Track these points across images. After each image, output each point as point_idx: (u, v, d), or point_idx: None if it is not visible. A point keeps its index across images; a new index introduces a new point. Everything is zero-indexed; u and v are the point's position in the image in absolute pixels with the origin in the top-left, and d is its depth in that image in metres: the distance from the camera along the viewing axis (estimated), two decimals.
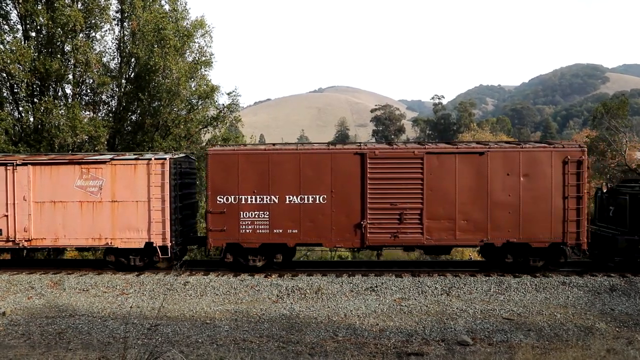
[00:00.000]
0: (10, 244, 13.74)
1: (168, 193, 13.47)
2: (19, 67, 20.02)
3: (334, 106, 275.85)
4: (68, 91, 22.75)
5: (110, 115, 23.71)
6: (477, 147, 13.57)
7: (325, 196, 13.23)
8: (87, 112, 23.04)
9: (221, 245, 13.51)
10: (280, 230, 13.27)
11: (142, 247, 13.61)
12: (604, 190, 15.35)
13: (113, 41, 23.82)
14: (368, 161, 13.14)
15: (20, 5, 20.79)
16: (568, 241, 13.03)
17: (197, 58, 23.93)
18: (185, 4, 24.87)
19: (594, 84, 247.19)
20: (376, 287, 12.46)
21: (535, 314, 11.01)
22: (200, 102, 23.83)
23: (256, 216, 13.30)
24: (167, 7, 24.21)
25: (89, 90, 23.04)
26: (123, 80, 23.38)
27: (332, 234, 13.25)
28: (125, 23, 23.34)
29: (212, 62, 24.11)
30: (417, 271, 13.81)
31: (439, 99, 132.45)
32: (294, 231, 13.26)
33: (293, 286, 12.51)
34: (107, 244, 13.64)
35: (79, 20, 20.34)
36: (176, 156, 14.23)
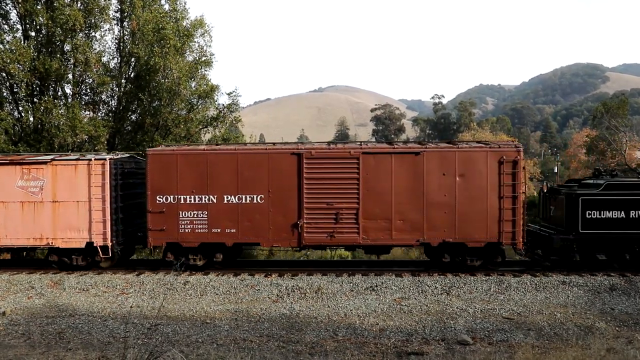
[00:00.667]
0: None
1: (108, 193, 13.59)
2: (18, 67, 20.01)
3: (334, 106, 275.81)
4: (68, 91, 22.74)
5: (110, 115, 23.69)
6: (413, 147, 13.64)
7: (262, 196, 13.31)
8: (87, 112, 23.02)
9: (161, 245, 13.65)
10: (219, 230, 13.38)
11: (83, 246, 13.71)
12: (544, 190, 15.44)
13: (113, 41, 23.80)
14: (304, 161, 13.22)
15: (20, 5, 20.77)
16: (504, 241, 13.09)
17: (197, 58, 23.91)
18: (185, 3, 24.87)
19: (594, 84, 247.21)
20: (376, 286, 12.47)
21: (535, 313, 11.02)
22: (200, 102, 23.81)
23: (195, 216, 13.40)
24: (166, 6, 24.21)
25: (88, 90, 23.01)
26: (123, 80, 23.35)
27: (270, 233, 13.34)
28: (125, 23, 23.31)
29: (212, 62, 24.09)
30: (417, 270, 13.82)
31: (439, 98, 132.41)
32: (232, 231, 13.37)
33: (293, 286, 12.52)
34: (49, 244, 13.74)
35: (78, 20, 20.32)
36: (118, 157, 14.36)
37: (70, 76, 21.99)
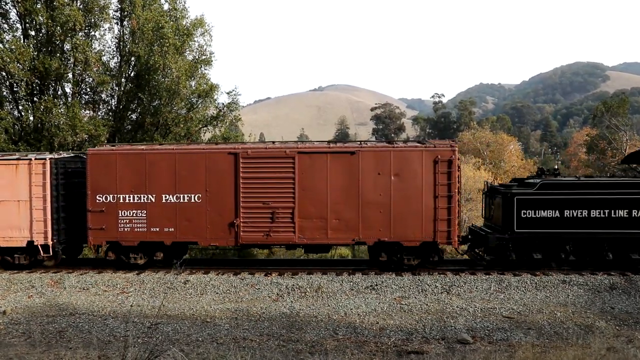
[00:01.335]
0: None
1: (49, 192, 13.63)
2: (18, 66, 19.99)
3: (334, 105, 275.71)
4: (68, 90, 22.73)
5: (110, 114, 23.69)
6: (349, 146, 13.69)
7: (200, 195, 13.38)
8: (87, 111, 23.03)
9: (101, 244, 13.75)
10: (157, 229, 13.48)
11: (25, 245, 13.76)
12: (485, 189, 15.52)
13: (113, 40, 23.80)
14: (241, 161, 13.27)
15: (20, 4, 20.76)
16: (439, 240, 13.13)
17: (196, 57, 23.90)
18: (185, 2, 24.87)
19: (595, 83, 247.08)
20: (376, 285, 12.47)
21: (536, 312, 11.02)
22: (200, 101, 23.81)
23: (134, 215, 13.51)
24: (166, 6, 24.21)
25: (88, 89, 23.01)
26: (123, 79, 23.35)
27: (207, 232, 13.43)
28: (125, 22, 23.31)
29: (211, 61, 24.09)
30: (417, 270, 13.82)
31: (439, 97, 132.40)
32: (170, 230, 13.46)
33: (293, 285, 12.52)
34: None
35: (78, 19, 20.31)
36: (62, 156, 14.40)
37: (70, 75, 21.99)
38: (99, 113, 23.51)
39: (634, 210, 13.12)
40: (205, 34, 23.92)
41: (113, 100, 23.83)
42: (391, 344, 9.24)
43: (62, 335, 9.79)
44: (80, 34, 21.39)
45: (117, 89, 23.37)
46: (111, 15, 22.76)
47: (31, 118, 21.36)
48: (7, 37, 21.32)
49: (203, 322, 10.53)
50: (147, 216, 13.46)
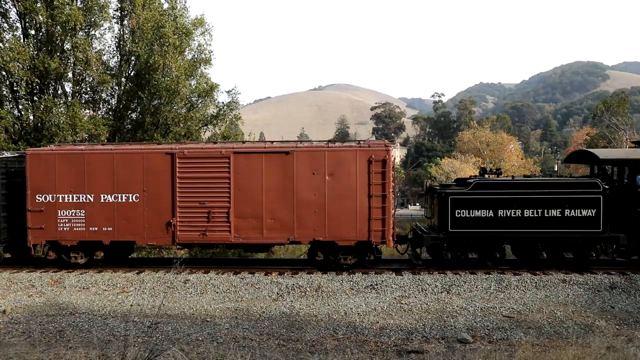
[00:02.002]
0: None
1: None
2: (18, 65, 19.98)
3: (334, 104, 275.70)
4: (68, 89, 22.72)
5: (110, 113, 23.67)
6: (284, 146, 13.76)
7: (138, 195, 13.50)
8: (87, 111, 23.01)
9: (41, 243, 13.86)
10: (96, 228, 13.59)
11: None
12: (425, 189, 15.60)
13: (113, 39, 23.79)
14: (177, 161, 13.37)
15: (20, 3, 20.74)
16: (373, 239, 13.16)
17: (196, 56, 23.88)
18: (185, 2, 24.85)
19: (595, 82, 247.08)
20: (376, 284, 12.47)
21: (536, 311, 11.02)
22: (200, 101, 23.80)
23: (73, 214, 13.61)
24: (166, 5, 24.18)
25: (88, 89, 23.00)
26: (123, 79, 23.34)
27: (145, 231, 13.54)
28: (125, 21, 23.29)
29: (211, 60, 24.07)
30: (417, 269, 13.83)
31: (439, 96, 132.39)
32: (108, 229, 13.57)
33: (293, 284, 12.52)
34: None
35: (78, 19, 20.30)
36: (3, 156, 14.46)
37: (70, 75, 21.97)
38: (99, 112, 23.49)
39: (566, 210, 13.14)
40: (206, 33, 23.92)
41: (113, 100, 23.81)
42: (391, 343, 9.24)
43: (62, 335, 9.79)
44: (80, 33, 21.38)
45: (117, 88, 23.36)
46: (111, 14, 22.76)
47: (31, 117, 21.35)
48: (7, 36, 21.31)
49: (203, 322, 10.53)
50: (85, 216, 13.58)
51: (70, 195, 13.57)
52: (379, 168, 13.09)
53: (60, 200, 13.57)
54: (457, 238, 13.41)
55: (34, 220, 13.65)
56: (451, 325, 10.16)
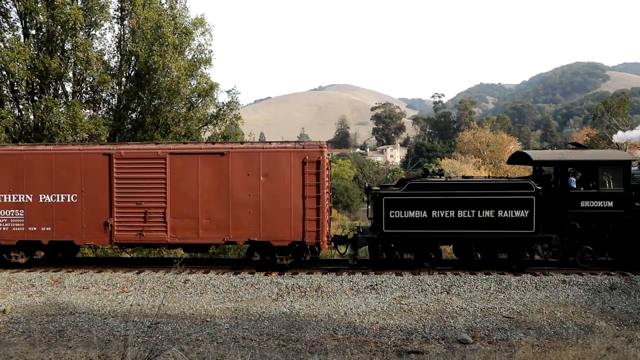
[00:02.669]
0: None
1: None
2: (18, 65, 19.98)
3: (335, 104, 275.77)
4: (68, 89, 22.72)
5: (111, 113, 23.67)
6: (219, 147, 13.79)
7: (76, 195, 13.61)
8: (88, 110, 23.01)
9: None
10: (35, 228, 13.70)
11: None
12: (364, 190, 15.65)
13: (113, 39, 23.78)
14: (115, 161, 13.49)
15: (20, 3, 20.74)
16: (307, 240, 13.23)
17: (196, 56, 23.88)
18: (185, 2, 24.84)
19: (595, 82, 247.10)
20: (376, 285, 12.46)
21: (535, 312, 11.02)
22: (200, 100, 23.79)
23: (12, 214, 13.75)
24: (166, 5, 24.17)
25: (89, 89, 22.99)
26: (123, 79, 23.34)
27: (83, 231, 13.64)
28: (125, 21, 23.29)
29: (211, 60, 24.06)
30: (417, 269, 13.83)
31: (439, 97, 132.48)
32: (47, 229, 13.67)
33: (293, 284, 12.52)
34: None
35: (78, 18, 20.29)
36: None
37: (70, 74, 21.96)
38: (100, 112, 23.48)
39: (499, 211, 13.18)
40: (206, 33, 23.91)
41: (113, 100, 23.81)
42: (391, 343, 9.24)
43: (62, 334, 9.79)
44: (80, 33, 21.37)
45: (117, 88, 23.35)
46: (111, 14, 22.75)
47: (32, 117, 21.35)
48: (7, 36, 21.31)
49: (203, 322, 10.53)
50: (25, 216, 13.67)
51: (10, 195, 13.69)
52: (313, 169, 13.17)
53: (0, 200, 13.71)
54: (392, 239, 13.46)
55: None
56: (451, 326, 10.17)
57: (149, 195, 13.46)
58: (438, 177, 14.26)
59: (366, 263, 14.30)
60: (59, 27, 20.56)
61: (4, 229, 13.73)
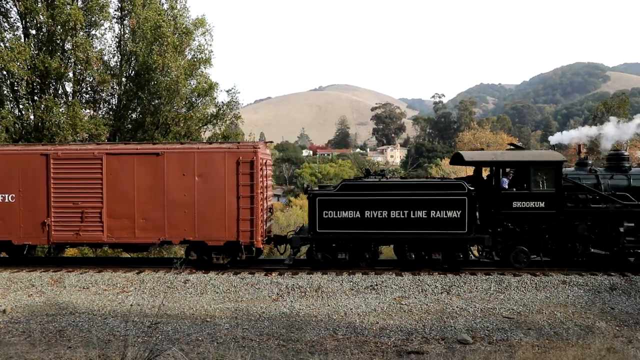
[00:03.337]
0: None
1: None
2: (18, 65, 19.98)
3: (335, 104, 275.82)
4: (68, 89, 22.70)
5: (111, 113, 23.67)
6: (155, 147, 13.98)
7: (14, 195, 13.80)
8: (88, 110, 23.01)
9: None
10: None
11: None
12: (304, 190, 15.62)
13: (113, 39, 23.78)
14: (52, 162, 13.62)
15: (20, 3, 20.74)
16: (242, 240, 13.34)
17: (196, 56, 23.88)
18: (185, 2, 24.84)
19: (595, 83, 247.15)
20: (376, 285, 12.46)
21: (536, 312, 11.02)
22: (200, 100, 23.79)
23: None
24: (166, 5, 24.17)
25: (89, 88, 22.98)
26: (123, 79, 23.33)
27: (21, 231, 13.83)
28: (125, 21, 23.30)
29: (211, 60, 24.06)
30: (417, 269, 13.83)
31: (439, 97, 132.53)
32: None
33: (293, 284, 12.52)
34: None
35: (78, 18, 20.30)
36: None
37: (70, 74, 21.96)
38: (100, 112, 23.48)
39: (432, 211, 13.23)
40: (206, 33, 23.91)
41: (113, 100, 23.79)
42: (391, 343, 9.24)
43: (62, 334, 9.80)
44: (80, 33, 21.37)
45: (117, 88, 23.35)
46: (111, 14, 22.75)
47: (32, 117, 21.34)
48: (7, 36, 21.31)
49: (203, 322, 10.53)
50: None
51: None
52: (247, 169, 13.30)
53: None
54: (325, 239, 13.51)
55: None
56: (451, 326, 10.17)
57: (86, 195, 13.64)
58: (380, 177, 14.34)
59: (303, 263, 14.29)
60: (59, 27, 20.57)
61: None
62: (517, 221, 13.58)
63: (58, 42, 21.23)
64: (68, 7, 20.40)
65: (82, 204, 13.60)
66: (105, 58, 23.16)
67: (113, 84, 22.98)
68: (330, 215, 13.33)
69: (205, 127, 24.22)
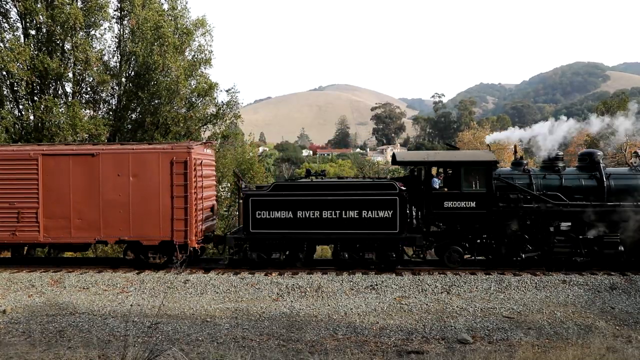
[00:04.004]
0: None
1: None
2: (17, 65, 19.98)
3: (335, 104, 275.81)
4: (68, 89, 22.70)
5: (111, 113, 23.67)
6: (90, 148, 14.11)
7: None
8: (88, 111, 23.01)
9: None
10: None
11: None
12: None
13: (113, 39, 23.77)
14: None
15: (20, 3, 20.73)
16: (176, 239, 13.48)
17: (196, 56, 23.88)
18: (186, 2, 24.84)
19: (595, 82, 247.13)
20: (376, 285, 12.47)
21: (536, 312, 11.02)
22: (200, 100, 23.79)
23: None
24: (166, 5, 24.18)
25: (89, 89, 22.99)
26: (123, 79, 23.33)
27: None
28: (124, 21, 23.29)
29: (211, 60, 24.07)
30: (417, 269, 13.83)
31: (439, 97, 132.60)
32: None
33: (293, 284, 12.52)
34: None
35: (78, 18, 20.30)
36: None
37: (70, 74, 21.96)
38: (99, 112, 23.47)
39: (364, 211, 13.29)
40: (206, 34, 23.91)
41: (113, 100, 23.79)
42: (391, 343, 9.24)
43: (62, 335, 9.80)
44: (80, 33, 21.37)
45: (117, 88, 23.35)
46: (111, 14, 22.75)
47: (32, 117, 21.34)
48: (7, 36, 21.31)
49: (203, 322, 10.53)
50: None
51: None
52: (181, 169, 13.44)
53: None
54: (259, 239, 13.61)
55: None
56: (451, 326, 10.17)
57: (22, 196, 13.79)
58: (322, 177, 14.49)
59: (240, 263, 14.29)
60: (58, 27, 20.56)
61: None
62: (448, 221, 13.73)
63: (57, 42, 21.23)
64: (68, 7, 20.40)
65: (18, 204, 13.74)
66: (105, 58, 23.18)
67: (113, 84, 22.98)
68: (263, 215, 13.47)
69: (205, 127, 24.23)
